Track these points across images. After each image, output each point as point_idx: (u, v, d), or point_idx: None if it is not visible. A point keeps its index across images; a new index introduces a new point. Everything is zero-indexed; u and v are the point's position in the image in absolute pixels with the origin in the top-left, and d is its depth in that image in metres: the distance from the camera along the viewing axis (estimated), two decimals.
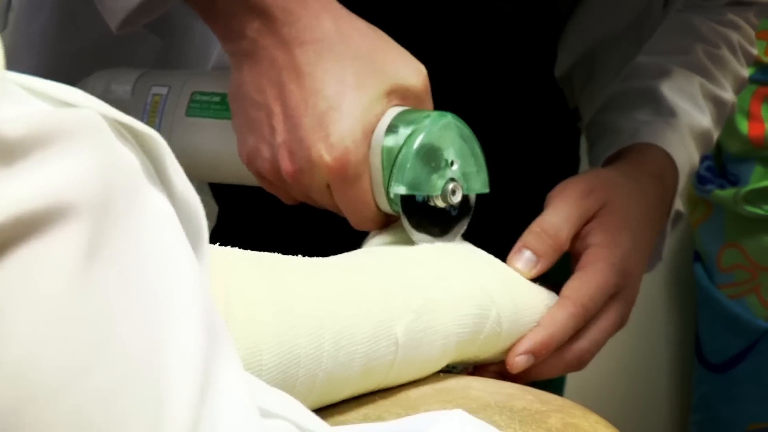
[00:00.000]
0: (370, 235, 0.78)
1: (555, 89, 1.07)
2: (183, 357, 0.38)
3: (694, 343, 2.08)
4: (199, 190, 0.93)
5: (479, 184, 0.77)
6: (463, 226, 0.77)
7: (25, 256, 0.34)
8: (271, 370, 0.59)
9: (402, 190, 0.73)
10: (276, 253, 0.66)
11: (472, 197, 0.77)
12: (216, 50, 0.90)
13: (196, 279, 0.41)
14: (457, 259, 0.74)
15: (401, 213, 0.74)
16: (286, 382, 0.60)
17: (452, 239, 0.76)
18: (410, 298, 0.68)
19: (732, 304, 1.97)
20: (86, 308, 0.35)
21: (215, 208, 0.95)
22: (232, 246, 0.65)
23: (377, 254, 0.72)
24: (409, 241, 0.75)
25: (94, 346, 0.35)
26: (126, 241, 0.37)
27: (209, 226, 0.94)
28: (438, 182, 0.74)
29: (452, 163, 0.75)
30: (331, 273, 0.66)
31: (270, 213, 0.99)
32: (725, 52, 1.07)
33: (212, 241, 0.92)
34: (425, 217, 0.75)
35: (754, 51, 1.11)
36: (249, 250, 0.64)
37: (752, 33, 1.10)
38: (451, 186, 0.74)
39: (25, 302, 0.34)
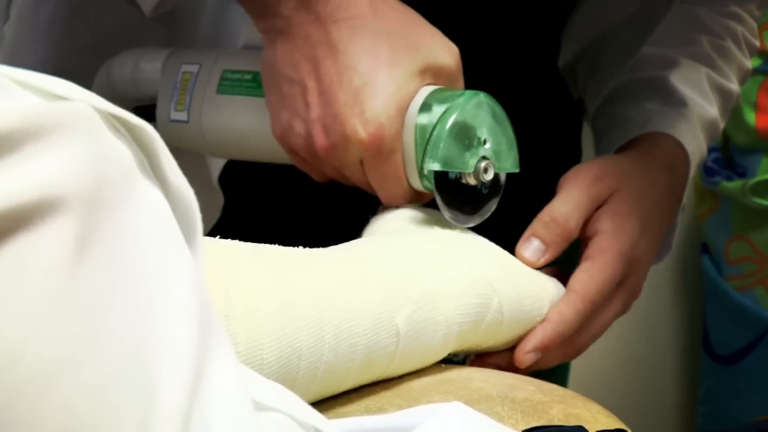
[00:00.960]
0: (371, 222, 0.78)
1: (558, 80, 1.07)
2: (175, 351, 0.38)
3: (702, 335, 2.08)
4: (205, 180, 0.94)
5: (510, 163, 0.77)
6: (493, 205, 0.78)
7: (14, 249, 0.34)
8: (272, 364, 0.59)
9: (436, 166, 0.73)
10: (276, 245, 0.66)
11: (503, 176, 0.78)
12: (244, 31, 0.90)
13: (189, 273, 0.41)
14: (457, 249, 0.74)
15: (434, 190, 0.74)
16: (287, 375, 0.60)
17: (482, 218, 0.77)
18: (410, 288, 0.68)
19: (739, 296, 1.96)
20: (76, 301, 0.35)
21: (221, 200, 0.96)
22: (237, 238, 0.65)
23: (377, 245, 0.73)
24: (408, 228, 0.75)
25: (83, 340, 0.35)
26: (118, 235, 0.37)
27: (214, 217, 0.94)
28: (471, 160, 0.75)
29: (485, 142, 0.75)
30: (331, 265, 0.66)
31: (275, 205, 1.00)
32: (730, 44, 1.07)
33: (216, 232, 0.92)
34: (457, 195, 0.76)
35: (757, 43, 1.11)
36: (249, 243, 0.64)
37: (755, 25, 1.10)
38: (483, 164, 0.75)
39: (14, 295, 0.34)
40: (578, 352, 0.83)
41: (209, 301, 0.43)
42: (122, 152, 0.40)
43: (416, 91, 0.75)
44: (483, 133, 0.75)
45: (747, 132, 1.91)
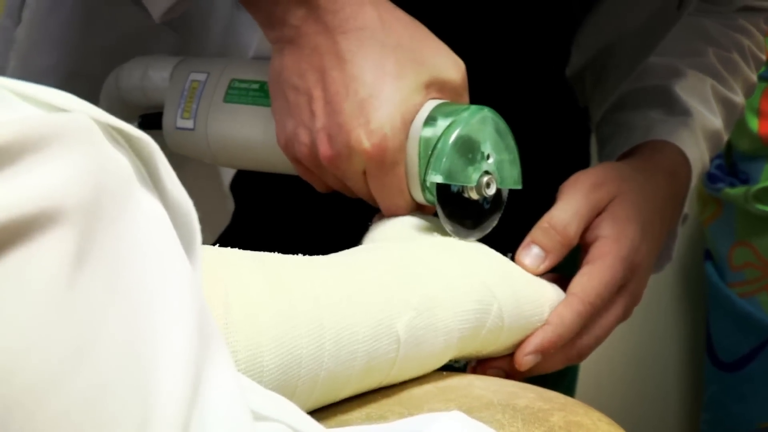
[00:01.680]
0: (371, 229, 0.78)
1: (565, 88, 1.07)
2: (173, 359, 0.38)
3: (705, 341, 2.08)
4: (216, 186, 0.94)
5: (513, 179, 0.78)
6: (494, 221, 0.78)
7: (13, 261, 0.34)
8: (273, 371, 0.59)
9: (438, 178, 0.74)
10: (275, 253, 0.66)
11: (505, 192, 0.78)
12: (254, 42, 0.91)
13: (187, 282, 0.41)
14: (457, 255, 0.74)
15: (436, 202, 0.75)
16: (287, 382, 0.60)
17: (483, 233, 0.78)
18: (410, 294, 0.68)
19: (743, 302, 1.96)
20: (74, 312, 0.35)
21: (231, 206, 0.96)
22: (245, 242, 0.65)
23: (377, 251, 0.73)
24: (408, 235, 0.76)
25: (80, 349, 0.35)
26: (115, 245, 0.38)
27: (224, 222, 0.95)
28: (473, 174, 0.75)
29: (488, 157, 0.76)
30: (331, 271, 0.66)
31: (283, 211, 1.00)
32: (736, 57, 1.07)
33: (226, 237, 0.92)
34: (458, 209, 0.76)
35: (763, 57, 1.11)
36: (248, 251, 0.64)
37: (761, 39, 1.11)
38: (486, 179, 0.76)
39: (12, 307, 0.34)
40: (580, 356, 0.83)
41: (207, 309, 0.43)
42: (121, 162, 0.40)
43: (421, 104, 0.75)
44: (486, 147, 0.76)
45: (750, 138, 1.91)
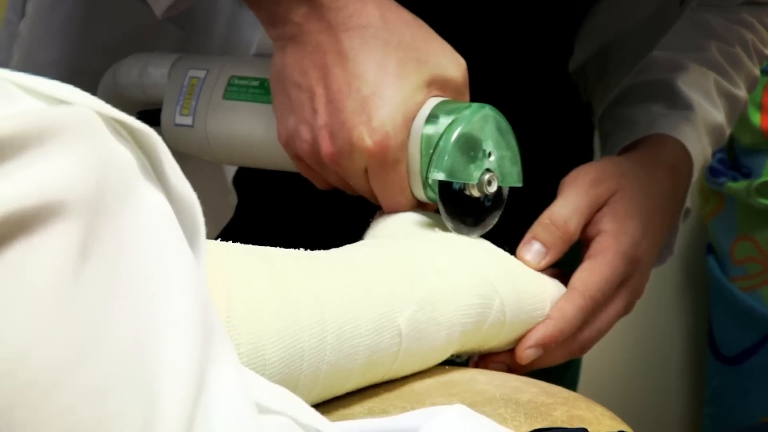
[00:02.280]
0: (372, 225, 0.78)
1: (568, 84, 1.07)
2: (176, 354, 0.38)
3: (708, 335, 2.08)
4: (220, 181, 0.94)
5: (514, 177, 0.78)
6: (495, 218, 0.78)
7: (15, 254, 0.34)
8: (275, 365, 0.59)
9: (441, 176, 0.74)
10: (278, 248, 0.66)
11: (506, 190, 0.79)
12: (256, 39, 0.91)
13: (191, 276, 0.41)
14: (458, 250, 0.74)
15: (438, 200, 0.75)
16: (289, 376, 0.60)
17: (484, 230, 0.78)
18: (412, 289, 0.68)
19: (745, 296, 1.96)
20: (77, 306, 0.35)
21: (234, 200, 0.96)
22: (248, 237, 0.65)
23: (379, 247, 0.73)
24: (410, 231, 0.76)
25: (84, 345, 0.35)
26: (118, 239, 0.38)
27: (227, 216, 0.95)
28: (475, 172, 0.75)
29: (489, 154, 0.76)
30: (332, 266, 0.67)
31: (286, 205, 1.00)
32: (739, 51, 1.07)
33: (229, 231, 0.92)
34: (460, 206, 0.76)
35: (766, 51, 1.11)
36: (251, 245, 0.64)
37: (765, 33, 1.11)
38: (487, 176, 0.76)
39: (15, 301, 0.34)
40: (582, 350, 0.83)
41: (211, 303, 0.43)
42: (124, 156, 0.40)
43: (423, 103, 0.75)
44: (488, 145, 0.76)
45: (752, 132, 1.91)
